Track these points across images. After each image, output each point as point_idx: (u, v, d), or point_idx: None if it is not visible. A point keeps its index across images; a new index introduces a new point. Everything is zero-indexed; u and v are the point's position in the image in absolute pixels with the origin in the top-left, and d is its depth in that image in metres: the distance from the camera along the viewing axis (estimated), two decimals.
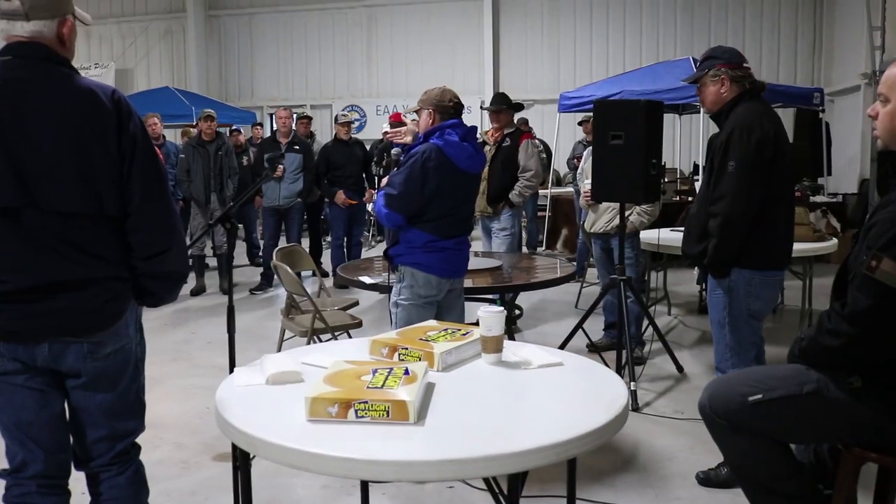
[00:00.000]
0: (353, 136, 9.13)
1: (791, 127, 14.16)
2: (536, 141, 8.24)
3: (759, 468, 2.54)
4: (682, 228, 6.97)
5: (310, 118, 10.06)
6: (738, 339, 3.70)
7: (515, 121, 7.06)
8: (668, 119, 10.29)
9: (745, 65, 3.81)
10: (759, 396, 2.46)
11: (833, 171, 11.86)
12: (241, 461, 2.31)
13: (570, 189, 11.22)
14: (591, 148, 8.88)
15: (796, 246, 5.99)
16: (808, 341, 2.41)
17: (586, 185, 5.75)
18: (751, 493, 2.61)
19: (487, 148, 6.55)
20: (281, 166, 8.31)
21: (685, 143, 13.52)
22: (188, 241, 3.07)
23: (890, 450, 2.25)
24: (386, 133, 10.70)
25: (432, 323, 3.02)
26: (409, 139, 4.08)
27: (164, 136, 9.72)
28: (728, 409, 2.53)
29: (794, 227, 3.78)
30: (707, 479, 3.72)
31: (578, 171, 9.59)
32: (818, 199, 10.55)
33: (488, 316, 2.61)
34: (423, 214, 3.83)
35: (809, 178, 11.20)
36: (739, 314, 3.66)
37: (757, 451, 2.51)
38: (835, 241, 6.24)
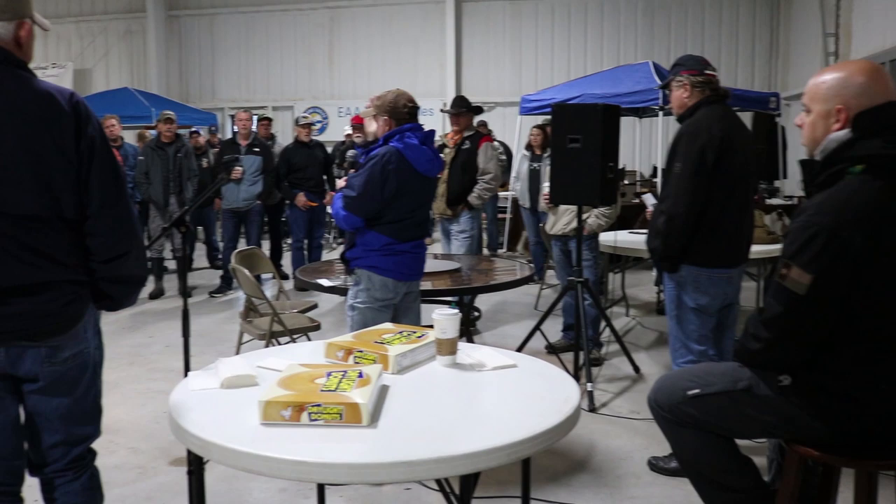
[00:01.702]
0: (314, 138, 9.11)
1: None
2: (496, 143, 8.30)
3: (703, 461, 2.62)
4: (642, 231, 7.11)
5: (270, 120, 10.02)
6: (686, 332, 3.88)
7: (475, 123, 7.10)
8: (628, 122, 10.42)
9: (706, 71, 3.93)
10: (698, 391, 2.56)
11: (788, 174, 12.06)
12: (196, 466, 2.32)
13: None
14: (524, 152, 9.03)
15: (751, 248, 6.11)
16: (738, 343, 2.51)
17: (544, 187, 5.80)
18: (698, 486, 2.69)
19: (447, 150, 6.58)
20: (240, 168, 8.27)
21: (644, 146, 13.67)
22: (146, 244, 3.05)
23: (831, 447, 2.32)
24: (349, 135, 10.69)
25: (388, 326, 3.04)
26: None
27: (122, 138, 9.63)
28: (671, 402, 2.63)
29: (750, 227, 3.91)
30: (655, 466, 3.87)
31: (514, 173, 9.68)
32: (774, 201, 10.71)
33: (443, 319, 2.63)
34: (381, 217, 3.85)
35: (766, 180, 11.39)
36: (687, 308, 3.85)
37: (700, 443, 2.60)
38: None
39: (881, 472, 2.32)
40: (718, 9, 15.16)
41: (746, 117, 14.04)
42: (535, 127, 8.88)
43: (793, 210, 10.60)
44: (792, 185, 12.19)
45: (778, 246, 6.16)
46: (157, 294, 8.40)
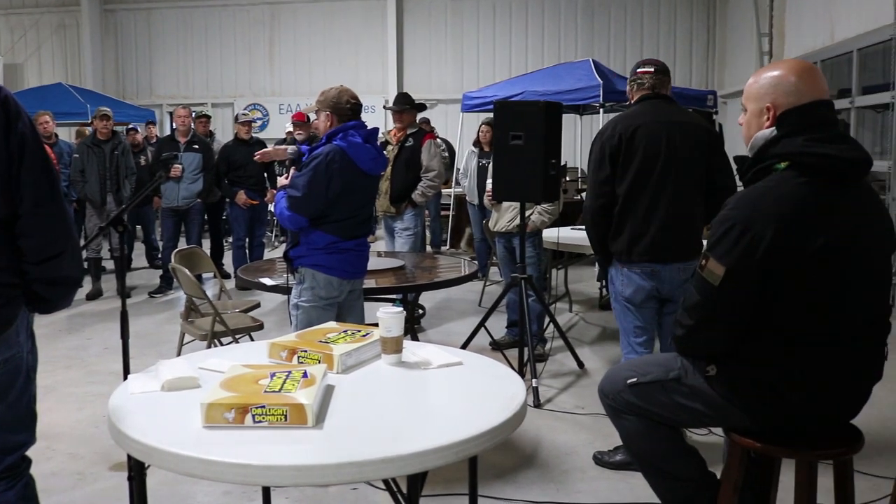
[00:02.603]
0: (255, 135, 9.00)
1: None
2: (439, 140, 8.29)
3: (646, 448, 2.69)
4: (583, 227, 7.17)
5: (208, 117, 9.85)
6: (622, 325, 4.08)
7: (417, 120, 7.08)
8: (570, 119, 10.50)
9: (639, 70, 4.00)
10: (635, 379, 2.64)
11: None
12: (137, 471, 2.27)
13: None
14: (472, 148, 9.07)
15: None
16: (671, 332, 2.58)
17: (487, 184, 5.81)
18: (646, 474, 2.75)
19: (390, 148, 6.56)
20: (179, 166, 8.14)
21: (586, 143, 13.76)
22: (82, 244, 2.97)
23: (767, 438, 2.37)
24: (289, 132, 10.58)
25: (332, 325, 3.01)
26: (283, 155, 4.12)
27: (56, 135, 9.39)
28: (614, 390, 2.71)
29: (677, 222, 3.84)
30: (600, 460, 3.94)
31: (461, 170, 9.71)
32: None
33: (387, 317, 2.62)
34: (326, 216, 3.82)
35: None
36: (617, 301, 4.05)
37: (643, 431, 2.66)
38: None
39: (821, 461, 2.37)
40: (657, 8, 15.39)
41: None
42: (484, 123, 8.89)
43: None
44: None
45: None
46: (94, 295, 8.20)
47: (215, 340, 4.72)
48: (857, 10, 9.00)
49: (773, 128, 2.38)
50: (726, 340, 2.38)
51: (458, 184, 11.57)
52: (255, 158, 4.70)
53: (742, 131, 2.51)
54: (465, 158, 9.43)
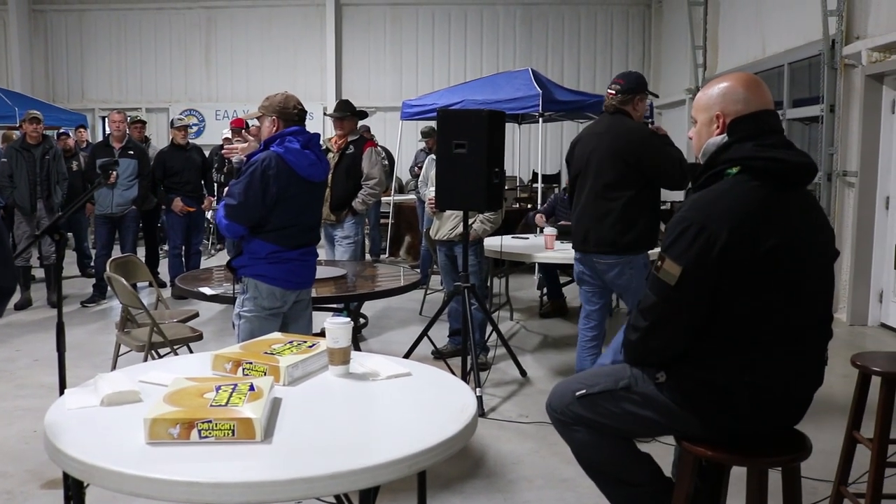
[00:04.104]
0: (190, 141, 8.84)
1: None
2: (379, 148, 8.26)
3: (598, 458, 2.69)
4: (524, 236, 7.21)
5: (144, 122, 9.64)
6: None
7: (357, 128, 7.03)
8: (508, 128, 10.51)
9: (608, 88, 4.69)
10: (584, 391, 2.63)
11: None
12: (74, 490, 2.18)
13: (413, 196, 11.31)
14: (432, 156, 9.07)
15: None
16: (623, 337, 2.58)
17: (431, 192, 5.79)
18: (599, 483, 2.74)
19: (331, 155, 6.49)
20: (114, 172, 7.93)
21: (524, 152, 13.89)
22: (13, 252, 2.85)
23: (718, 444, 2.40)
24: (227, 139, 10.42)
25: (277, 335, 2.96)
26: (243, 157, 3.98)
27: None
28: (562, 404, 2.69)
29: (591, 219, 4.58)
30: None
31: (420, 178, 9.68)
32: None
33: (335, 327, 2.58)
34: (265, 224, 3.75)
35: None
36: None
37: (595, 442, 2.65)
38: None
39: (770, 468, 2.40)
40: (593, 20, 15.60)
41: None
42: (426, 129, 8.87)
43: (670, 213, 11.05)
44: (665, 190, 12.60)
45: (655, 249, 6.36)
46: (23, 305, 7.94)
47: (152, 352, 4.60)
48: (787, 26, 9.25)
49: (724, 135, 2.44)
50: (680, 343, 2.40)
51: (401, 191, 11.57)
52: (223, 153, 4.59)
53: (693, 142, 2.57)
54: (426, 166, 9.41)
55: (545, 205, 8.10)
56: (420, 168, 10.01)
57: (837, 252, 2.56)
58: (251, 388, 2.21)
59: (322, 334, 2.63)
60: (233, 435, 1.98)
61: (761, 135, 2.39)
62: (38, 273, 8.91)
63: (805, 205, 2.43)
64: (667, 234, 2.37)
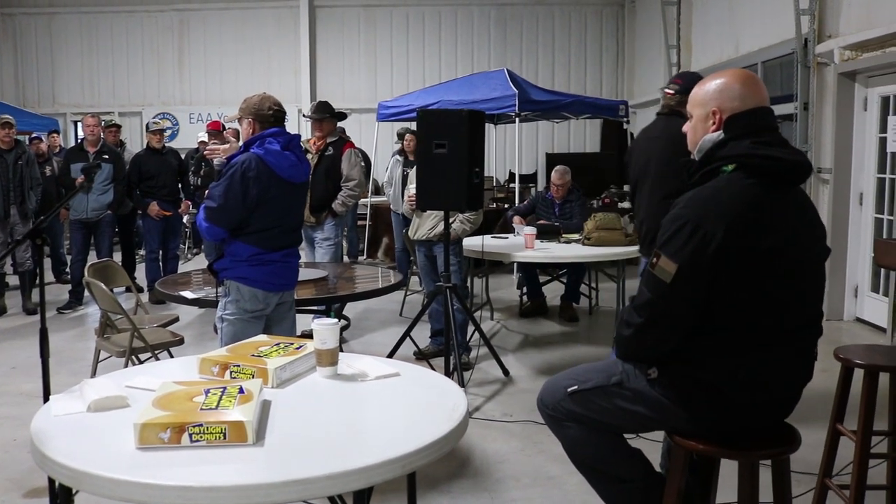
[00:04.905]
0: (166, 144, 8.76)
1: (598, 137, 14.93)
2: (358, 150, 8.23)
3: (589, 454, 2.69)
4: (503, 235, 7.22)
5: (119, 126, 9.55)
6: None
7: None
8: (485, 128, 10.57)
9: (666, 88, 4.41)
10: (576, 387, 2.63)
11: None
12: (62, 498, 2.15)
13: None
14: (397, 157, 9.06)
15: (609, 250, 6.34)
16: (616, 333, 2.59)
17: (410, 189, 5.77)
18: (590, 479, 2.75)
19: (310, 156, 6.46)
20: (82, 177, 7.85)
21: (500, 152, 13.92)
22: None
23: (708, 438, 2.41)
24: (203, 142, 10.34)
25: (263, 338, 2.95)
26: (224, 158, 3.95)
27: None
28: (554, 400, 2.69)
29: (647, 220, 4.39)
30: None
31: (385, 179, 9.67)
32: (626, 205, 11.12)
33: (323, 328, 2.57)
34: (246, 226, 3.73)
35: (616, 185, 11.81)
36: None
37: (585, 438, 2.66)
38: None
39: (761, 461, 2.42)
40: (567, 20, 15.65)
41: (596, 124, 14.63)
42: (409, 132, 8.87)
43: None
44: None
45: (633, 248, 6.38)
46: None
47: (133, 357, 4.56)
48: (760, 25, 9.34)
49: (720, 132, 2.44)
50: (674, 340, 2.40)
51: (378, 193, 11.53)
52: (205, 154, 4.55)
53: (688, 137, 2.57)
54: (390, 167, 9.39)
55: (524, 203, 8.10)
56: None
57: (829, 250, 2.57)
58: (240, 390, 2.20)
59: (307, 336, 2.62)
60: (224, 438, 1.97)
61: (758, 132, 2.40)
62: (13, 280, 8.80)
63: (799, 203, 2.44)
64: (662, 231, 2.38)
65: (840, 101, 7.43)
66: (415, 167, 8.39)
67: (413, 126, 7.74)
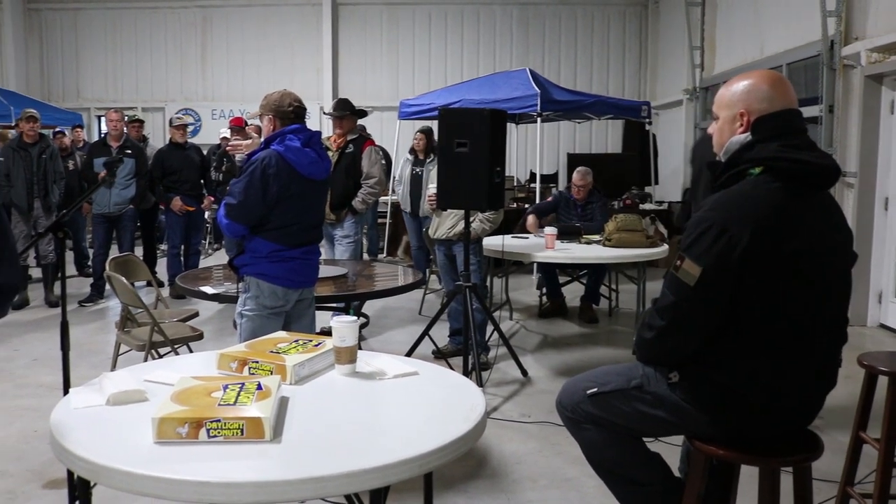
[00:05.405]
0: (188, 140, 8.80)
1: (620, 138, 14.86)
2: (378, 148, 8.23)
3: (608, 457, 2.67)
4: (524, 235, 7.20)
5: (142, 121, 9.60)
6: None
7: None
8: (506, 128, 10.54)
9: None
10: (595, 389, 2.61)
11: (659, 180, 12.49)
12: (81, 490, 2.15)
13: None
14: (408, 156, 9.03)
15: (630, 251, 6.30)
16: (636, 336, 2.56)
17: (431, 189, 5.77)
18: (609, 482, 2.72)
19: (330, 154, 6.46)
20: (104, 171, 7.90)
21: (521, 152, 13.89)
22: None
23: (729, 443, 2.38)
24: (225, 138, 10.38)
25: (282, 334, 2.94)
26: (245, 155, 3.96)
27: None
28: (573, 402, 2.68)
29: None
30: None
31: (395, 177, 9.62)
32: (647, 206, 11.07)
33: (342, 326, 2.56)
34: (266, 223, 3.73)
35: (638, 186, 11.76)
36: None
37: (604, 441, 2.64)
38: (665, 246, 6.54)
39: (783, 468, 2.39)
40: (590, 20, 15.58)
41: (618, 125, 14.56)
42: (418, 131, 8.87)
43: (664, 215, 11.01)
44: (663, 190, 12.63)
45: (655, 250, 6.36)
46: (21, 304, 7.90)
47: (153, 351, 4.58)
48: (785, 26, 9.25)
49: (748, 133, 2.40)
50: (696, 343, 2.37)
51: (394, 191, 11.53)
52: (227, 150, 4.56)
53: (714, 139, 2.53)
54: (401, 166, 9.39)
55: (546, 201, 8.05)
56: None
57: (856, 255, 2.53)
58: (259, 387, 2.19)
59: (326, 332, 2.61)
60: (242, 434, 1.96)
61: (786, 135, 2.35)
62: (35, 273, 8.87)
63: (826, 207, 2.40)
64: (686, 234, 2.35)
65: (866, 104, 7.35)
66: (424, 166, 8.48)
67: (434, 125, 7.72)
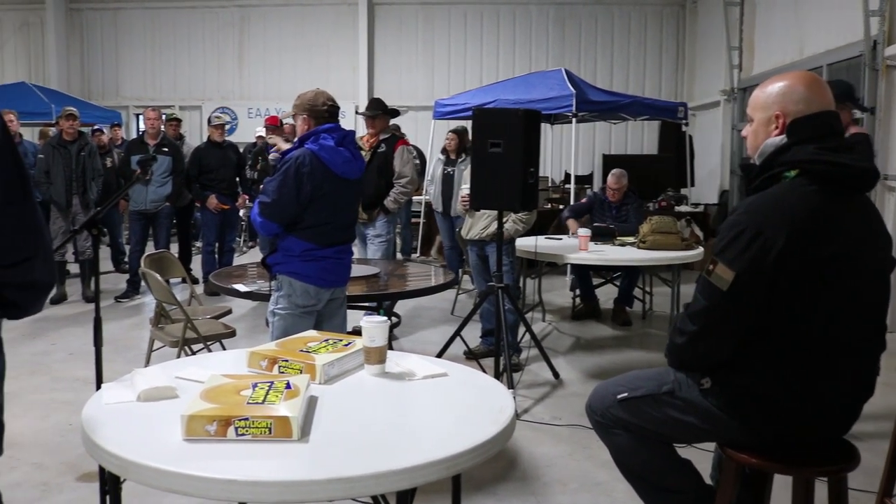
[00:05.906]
0: (226, 138, 8.88)
1: (656, 139, 14.72)
2: (411, 147, 8.24)
3: (638, 463, 2.64)
4: (558, 236, 7.16)
5: (179, 120, 9.69)
6: None
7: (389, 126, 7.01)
8: (541, 128, 10.50)
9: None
10: (626, 394, 2.59)
11: (696, 182, 12.36)
12: (111, 485, 2.17)
13: None
14: (440, 155, 9.01)
15: (665, 254, 6.24)
16: (669, 341, 2.52)
17: (465, 189, 5.75)
18: (638, 488, 2.70)
19: (363, 153, 6.46)
20: (151, 168, 7.98)
21: (556, 153, 13.82)
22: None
23: (767, 454, 2.34)
24: (261, 137, 10.45)
25: (312, 333, 2.94)
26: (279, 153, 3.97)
27: (20, 135, 9.19)
28: (603, 407, 2.65)
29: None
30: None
31: (427, 178, 9.60)
32: (682, 208, 10.96)
33: (372, 326, 2.55)
34: (299, 222, 3.74)
35: (673, 188, 11.64)
36: None
37: (634, 446, 2.61)
38: (700, 249, 6.46)
39: (817, 478, 2.34)
40: (627, 20, 15.47)
41: (654, 126, 14.43)
42: (450, 132, 8.86)
43: (700, 217, 10.89)
44: (699, 193, 12.51)
45: (690, 252, 6.28)
46: (58, 299, 8.02)
47: (186, 348, 4.61)
48: (826, 26, 9.10)
49: (783, 136, 2.36)
50: (729, 349, 2.33)
51: (427, 191, 11.53)
52: (269, 142, 4.58)
53: (748, 141, 2.49)
54: (433, 166, 9.38)
55: (582, 202, 7.99)
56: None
57: (895, 261, 2.47)
58: (288, 385, 2.19)
59: (356, 332, 2.61)
60: (270, 433, 1.96)
61: (823, 137, 2.31)
62: (73, 268, 9.00)
63: (864, 211, 2.35)
64: (719, 237, 2.31)
65: None
66: (456, 166, 8.46)
67: (469, 125, 7.72)
